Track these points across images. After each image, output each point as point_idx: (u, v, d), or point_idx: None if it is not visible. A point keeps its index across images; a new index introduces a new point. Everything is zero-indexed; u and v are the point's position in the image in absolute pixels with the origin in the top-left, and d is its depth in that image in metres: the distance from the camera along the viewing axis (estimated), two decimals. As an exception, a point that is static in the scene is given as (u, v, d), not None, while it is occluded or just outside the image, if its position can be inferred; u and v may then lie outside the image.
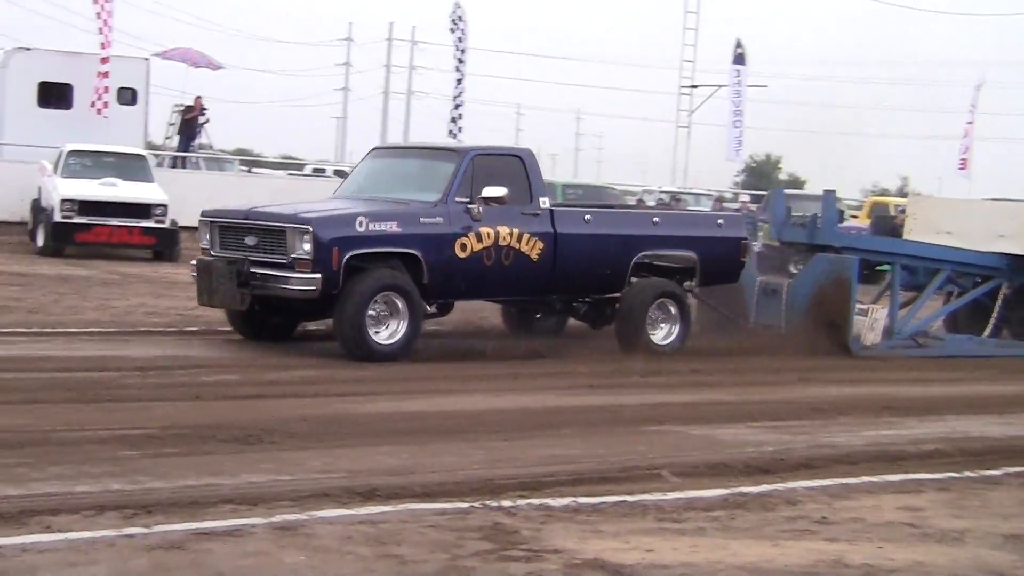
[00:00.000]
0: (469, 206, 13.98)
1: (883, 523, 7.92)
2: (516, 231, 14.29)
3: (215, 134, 36.69)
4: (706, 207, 36.00)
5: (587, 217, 15.16)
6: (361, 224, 13.47)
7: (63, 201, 24.51)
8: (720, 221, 16.31)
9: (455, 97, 38.86)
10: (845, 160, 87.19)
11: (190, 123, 34.27)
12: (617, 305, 15.23)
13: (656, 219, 15.89)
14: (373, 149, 16.52)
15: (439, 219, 13.90)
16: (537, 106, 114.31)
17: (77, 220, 24.51)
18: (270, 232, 13.59)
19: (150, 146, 34.30)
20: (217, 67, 38.50)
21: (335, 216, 13.74)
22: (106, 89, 31.27)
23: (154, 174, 26.85)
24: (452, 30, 39.17)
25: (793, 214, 17.87)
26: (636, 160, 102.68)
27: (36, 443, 8.82)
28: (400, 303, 13.44)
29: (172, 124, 35.76)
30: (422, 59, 78.37)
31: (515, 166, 14.62)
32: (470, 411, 11.12)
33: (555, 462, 9.11)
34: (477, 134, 46.29)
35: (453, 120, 38.49)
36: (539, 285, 14.73)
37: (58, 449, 8.69)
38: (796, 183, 67.84)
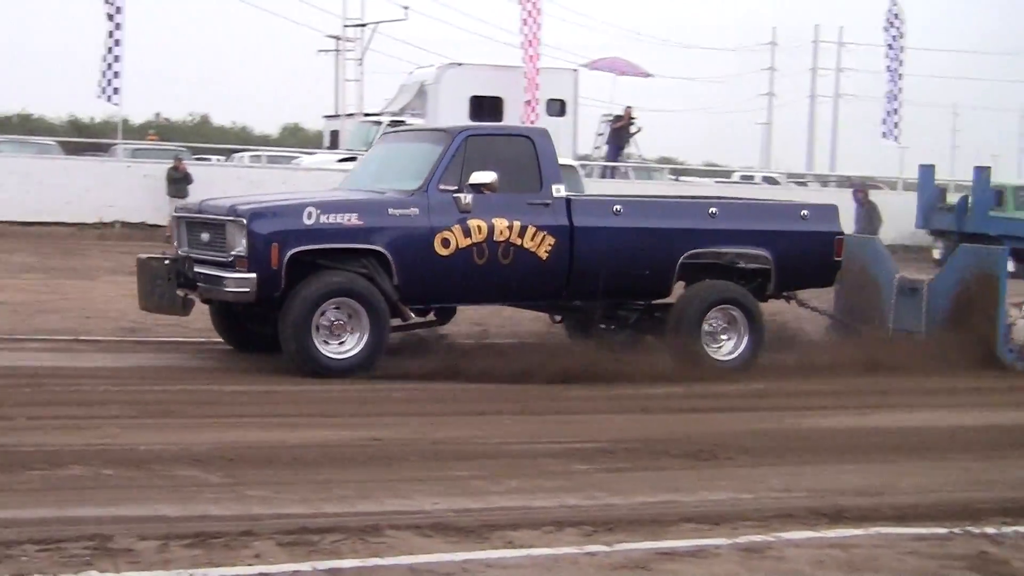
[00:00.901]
0: (456, 195, 12.17)
1: None
2: (518, 224, 12.34)
3: (642, 143, 36.92)
4: None
5: (617, 208, 12.95)
6: (310, 216, 11.76)
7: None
8: (805, 212, 13.76)
9: (890, 98, 37.73)
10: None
11: (619, 132, 34.56)
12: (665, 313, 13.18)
13: (714, 210, 13.35)
14: (382, 134, 15.21)
15: (413, 210, 12.07)
16: (976, 105, 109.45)
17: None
18: (214, 227, 12.09)
19: (579, 157, 34.78)
20: (645, 75, 38.74)
21: (275, 207, 12.19)
22: (536, 101, 31.93)
23: (584, 185, 27.11)
24: (887, 29, 38.08)
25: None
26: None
27: (490, 455, 8.89)
28: (359, 310, 11.76)
29: (600, 134, 36.19)
30: (849, 60, 76.62)
31: (522, 148, 12.69)
32: (939, 428, 10.57)
33: (1038, 485, 8.49)
34: (912, 135, 44.68)
35: (884, 121, 37.43)
36: (551, 288, 12.72)
37: (512, 462, 8.71)
38: None
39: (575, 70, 34.94)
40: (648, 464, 8.82)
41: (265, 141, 61.00)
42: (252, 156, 38.09)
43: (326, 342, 11.69)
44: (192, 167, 29.02)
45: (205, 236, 12.15)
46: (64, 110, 62.39)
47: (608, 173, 34.16)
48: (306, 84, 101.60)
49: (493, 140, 12.91)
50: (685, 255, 12.93)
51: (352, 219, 11.90)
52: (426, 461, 8.57)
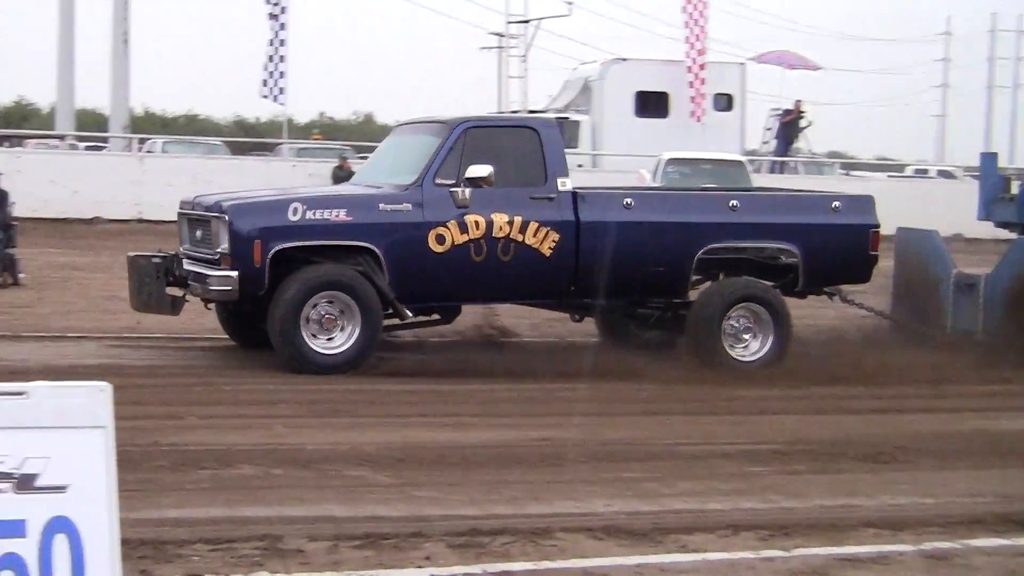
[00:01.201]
0: (453, 189, 11.80)
1: None
2: (519, 219, 11.92)
3: (812, 137, 36.40)
4: None
5: (628, 201, 12.42)
6: (295, 212, 11.55)
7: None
8: (836, 204, 12.99)
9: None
10: None
11: (789, 127, 34.11)
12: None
13: (735, 202, 12.72)
14: (396, 125, 14.81)
15: (406, 205, 11.78)
16: None
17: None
18: (204, 223, 11.95)
19: (747, 152, 34.40)
20: (815, 68, 38.19)
21: (259, 203, 12.00)
22: (702, 96, 31.66)
23: (752, 180, 26.80)
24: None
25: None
26: None
27: (661, 456, 8.76)
28: (351, 305, 11.50)
29: (769, 129, 35.76)
30: (1029, 49, 74.69)
31: (526, 140, 12.28)
32: None
33: None
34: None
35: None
36: (556, 286, 12.25)
37: (685, 463, 8.58)
38: None
39: (742, 64, 34.58)
40: (825, 466, 8.61)
41: (429, 139, 61.15)
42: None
43: (315, 336, 11.48)
44: (357, 166, 29.30)
45: (198, 233, 12.04)
46: (230, 110, 63.68)
47: (777, 168, 33.73)
48: (469, 82, 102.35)
49: (495, 132, 12.54)
50: (702, 251, 12.37)
51: (340, 215, 11.68)
52: (597, 462, 8.47)
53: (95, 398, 4.48)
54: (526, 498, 7.50)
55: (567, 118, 32.22)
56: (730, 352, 12.25)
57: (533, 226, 11.97)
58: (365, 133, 59.05)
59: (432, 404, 10.35)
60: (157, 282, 12.01)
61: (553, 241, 12.00)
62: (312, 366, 11.34)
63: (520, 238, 11.93)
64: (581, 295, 12.36)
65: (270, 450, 8.43)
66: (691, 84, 31.91)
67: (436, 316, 12.65)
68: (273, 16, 29.66)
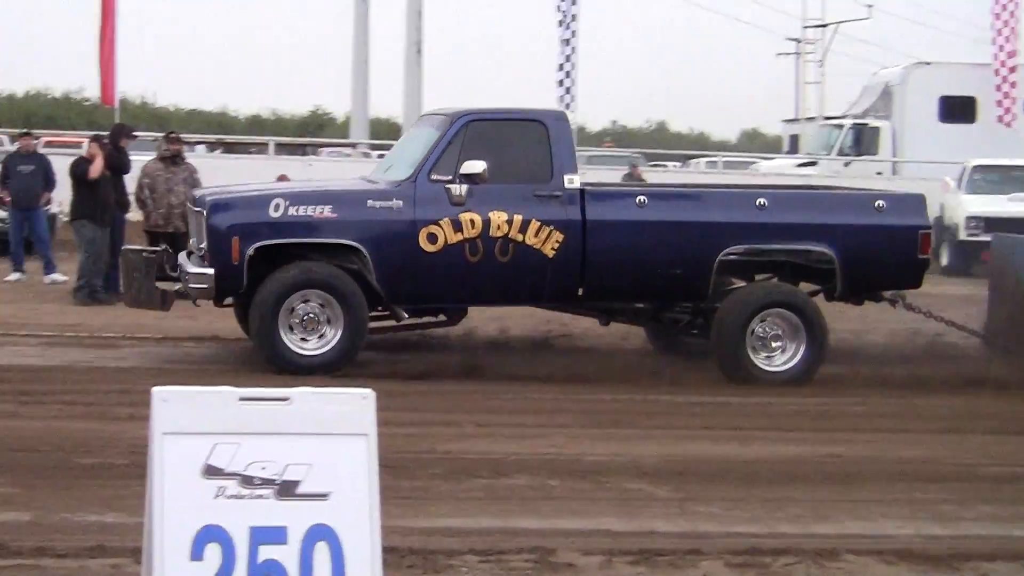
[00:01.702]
0: (448, 186, 11.31)
1: None
2: (520, 218, 11.32)
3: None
4: None
5: (641, 199, 11.67)
6: (277, 208, 11.20)
7: (968, 219, 24.04)
8: (880, 203, 11.87)
9: None
10: None
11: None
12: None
13: (763, 200, 11.78)
14: (418, 117, 14.16)
15: (396, 202, 11.33)
16: None
17: (983, 238, 23.88)
18: (198, 218, 11.74)
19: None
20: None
21: (239, 198, 11.63)
22: (1013, 100, 30.47)
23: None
24: None
25: None
26: None
27: (960, 477, 8.30)
28: (335, 305, 11.12)
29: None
30: None
31: (532, 134, 11.63)
32: None
33: None
34: None
35: None
36: (562, 289, 11.57)
37: (986, 485, 8.10)
38: None
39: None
40: None
41: (723, 147, 60.96)
42: (708, 162, 38.03)
43: (300, 337, 11.21)
44: (648, 173, 29.17)
45: (195, 228, 11.91)
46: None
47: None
48: (765, 88, 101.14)
49: (498, 125, 11.89)
50: (724, 252, 11.55)
51: (325, 212, 11.32)
52: (890, 481, 8.06)
53: (359, 405, 4.41)
54: (812, 517, 7.19)
55: (866, 124, 31.52)
56: (755, 361, 11.49)
57: (535, 225, 11.41)
58: (658, 141, 59.01)
59: (716, 416, 10.07)
60: (146, 277, 11.93)
61: (556, 241, 11.43)
62: (290, 366, 11.04)
63: (520, 238, 11.40)
64: (593, 298, 11.80)
65: (547, 460, 8.30)
66: (999, 88, 30.72)
67: (442, 317, 12.30)
68: (563, 23, 29.78)
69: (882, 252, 11.79)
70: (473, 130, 11.58)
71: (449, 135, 11.56)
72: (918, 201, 12.22)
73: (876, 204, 11.91)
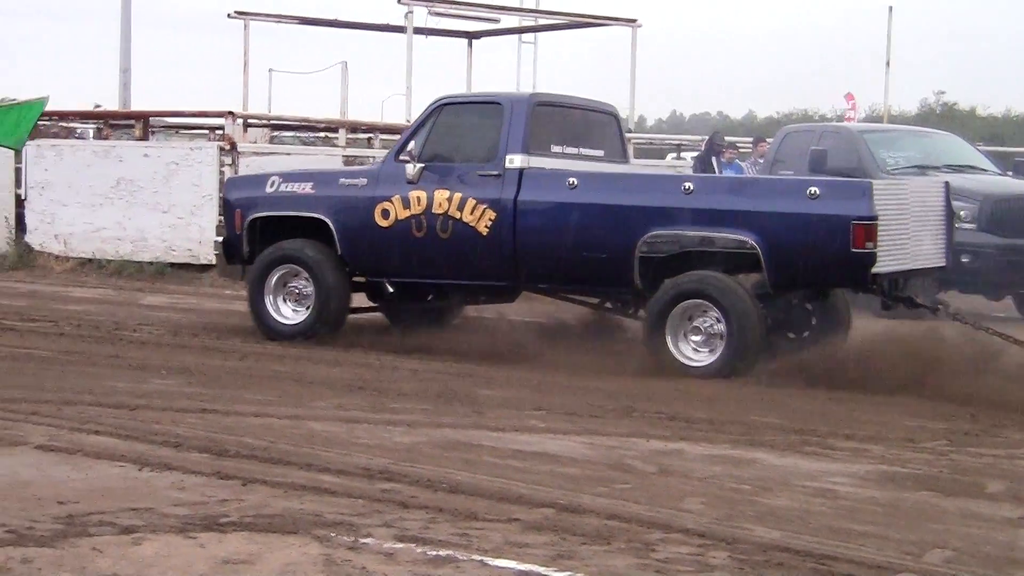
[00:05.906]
0: (406, 164, 12.39)
1: None
2: (458, 196, 12.12)
3: None
4: None
5: (571, 181, 11.96)
6: (272, 185, 13.06)
7: None
8: (814, 189, 11.20)
9: None
10: None
11: None
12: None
13: (689, 185, 11.67)
14: None
15: (361, 180, 12.73)
16: None
17: None
18: None
19: None
20: None
21: (249, 177, 14.17)
22: None
23: None
24: None
25: None
26: None
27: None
28: (307, 277, 12.79)
29: None
30: None
31: (491, 116, 12.31)
32: None
33: None
34: None
35: None
36: (497, 269, 12.15)
37: None
38: None
39: None
40: None
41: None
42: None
43: (293, 310, 12.91)
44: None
45: None
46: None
47: None
48: None
49: (467, 108, 12.84)
50: (644, 237, 11.55)
51: (306, 188, 12.91)
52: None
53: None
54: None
55: None
56: (673, 352, 11.39)
57: (471, 203, 12.09)
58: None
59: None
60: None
61: (489, 220, 12.05)
62: (275, 334, 12.77)
63: (458, 215, 12.15)
64: (530, 280, 12.31)
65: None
66: None
67: (430, 297, 13.38)
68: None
69: (809, 243, 11.24)
70: (446, 114, 12.55)
71: (422, 118, 12.67)
72: (859, 189, 11.37)
73: (809, 191, 11.29)
